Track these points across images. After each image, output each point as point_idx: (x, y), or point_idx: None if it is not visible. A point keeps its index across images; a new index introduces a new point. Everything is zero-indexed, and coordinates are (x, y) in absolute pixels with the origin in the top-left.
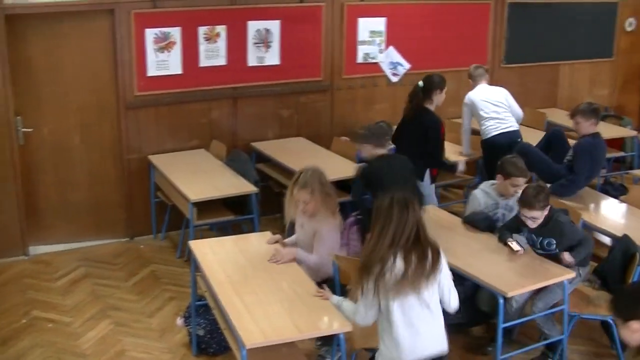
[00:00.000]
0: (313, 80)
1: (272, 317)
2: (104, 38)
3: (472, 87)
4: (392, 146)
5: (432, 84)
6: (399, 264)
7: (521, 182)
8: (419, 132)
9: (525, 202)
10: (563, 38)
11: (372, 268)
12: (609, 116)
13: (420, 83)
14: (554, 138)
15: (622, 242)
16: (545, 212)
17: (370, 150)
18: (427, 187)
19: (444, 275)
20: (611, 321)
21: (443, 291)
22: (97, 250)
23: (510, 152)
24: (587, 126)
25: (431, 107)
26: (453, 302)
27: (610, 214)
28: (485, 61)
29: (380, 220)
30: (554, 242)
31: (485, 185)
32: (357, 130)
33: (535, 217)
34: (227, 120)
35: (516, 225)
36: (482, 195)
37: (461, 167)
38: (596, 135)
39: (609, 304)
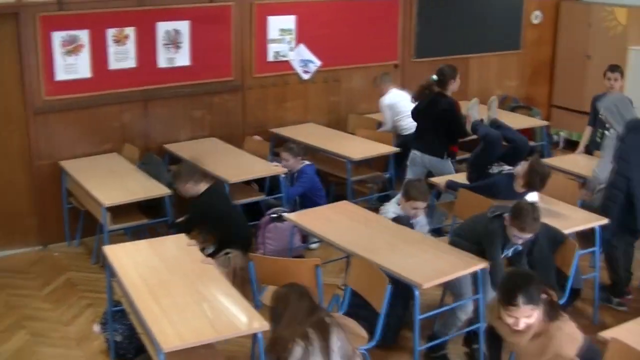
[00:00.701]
0: (224, 80)
1: (189, 319)
2: (9, 42)
3: (381, 93)
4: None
5: (445, 76)
6: (298, 349)
7: (421, 206)
8: (437, 116)
9: (524, 227)
10: (472, 31)
11: (272, 354)
12: (519, 107)
13: (434, 77)
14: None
15: (544, 231)
16: None
17: (193, 188)
18: (446, 162)
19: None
20: None
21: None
22: (10, 260)
23: None
24: None
25: (448, 94)
26: None
27: None
28: (396, 56)
29: (278, 308)
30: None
31: (394, 207)
32: (175, 172)
33: (527, 238)
34: (139, 123)
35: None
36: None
37: None
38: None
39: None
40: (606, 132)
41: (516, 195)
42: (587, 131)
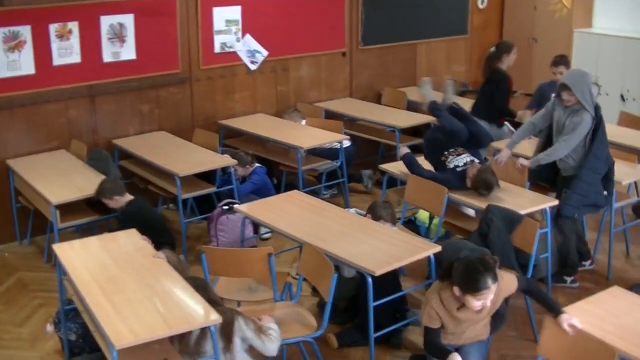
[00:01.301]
0: (171, 72)
1: (141, 315)
2: None
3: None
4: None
5: (500, 50)
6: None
7: (388, 226)
8: (489, 87)
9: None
10: (419, 17)
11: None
12: (467, 92)
13: (493, 49)
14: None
15: (499, 213)
16: None
17: (121, 200)
18: (496, 129)
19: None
20: None
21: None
22: None
23: None
24: None
25: (502, 67)
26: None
27: None
28: (343, 44)
29: None
30: None
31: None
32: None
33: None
34: (86, 119)
35: None
36: None
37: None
38: None
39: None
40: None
41: (468, 189)
42: (527, 114)
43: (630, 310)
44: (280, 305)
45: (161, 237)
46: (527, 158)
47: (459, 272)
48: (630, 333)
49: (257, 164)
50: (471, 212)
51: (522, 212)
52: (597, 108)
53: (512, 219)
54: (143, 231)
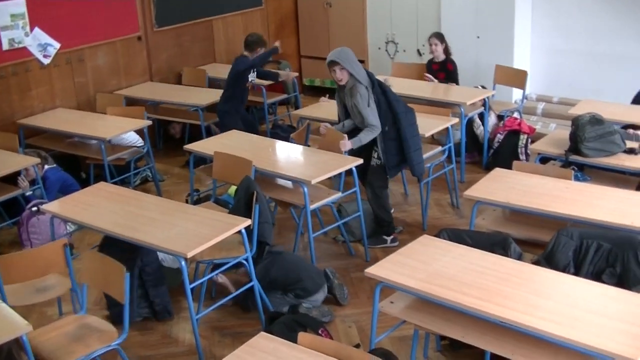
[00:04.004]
0: None
1: None
2: None
3: None
4: None
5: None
6: None
7: None
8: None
9: None
10: None
11: None
12: (268, 62)
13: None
14: None
15: (244, 182)
16: None
17: None
18: None
19: None
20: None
21: None
22: None
23: None
24: None
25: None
26: None
27: (283, 156)
28: (137, 28)
29: None
30: None
31: None
32: None
33: None
34: None
35: None
36: None
37: None
38: None
39: None
40: None
41: None
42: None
43: (439, 256)
44: (71, 320)
45: None
46: None
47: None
48: (439, 277)
49: (47, 166)
50: (288, 184)
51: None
52: (370, 74)
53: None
54: None
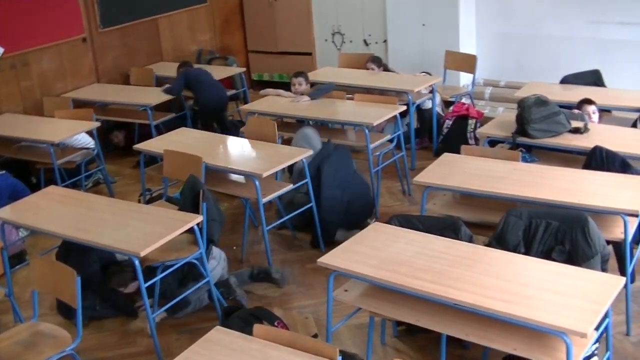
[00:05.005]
0: None
1: None
2: None
3: None
4: None
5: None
6: None
7: None
8: None
9: None
10: None
11: None
12: (215, 58)
13: None
14: None
15: (189, 181)
16: None
17: None
18: None
19: None
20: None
21: None
22: None
23: None
24: None
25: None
26: None
27: (234, 151)
28: (82, 29)
29: None
30: None
31: None
32: None
33: None
34: None
35: None
36: None
37: None
38: None
39: None
40: None
41: None
42: None
43: (390, 243)
44: (22, 329)
45: None
46: None
47: None
48: (392, 263)
49: None
50: (241, 179)
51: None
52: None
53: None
54: None
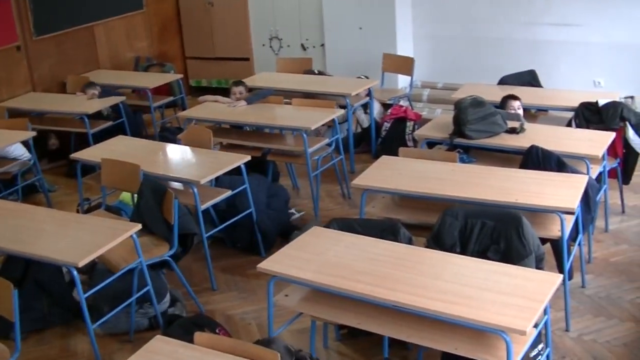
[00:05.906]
0: None
1: None
2: None
3: None
4: None
5: None
6: None
7: None
8: None
9: None
10: None
11: None
12: (152, 65)
13: None
14: None
15: (148, 184)
16: None
17: None
18: None
19: None
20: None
21: None
22: None
23: None
24: None
25: None
26: None
27: (172, 158)
28: (15, 37)
29: None
30: None
31: None
32: None
33: None
34: None
35: None
36: None
37: None
38: None
39: None
40: None
41: None
42: None
43: (330, 246)
44: None
45: None
46: None
47: None
48: (332, 267)
49: None
50: (179, 186)
51: (218, 173)
52: None
53: (159, 190)
54: None
